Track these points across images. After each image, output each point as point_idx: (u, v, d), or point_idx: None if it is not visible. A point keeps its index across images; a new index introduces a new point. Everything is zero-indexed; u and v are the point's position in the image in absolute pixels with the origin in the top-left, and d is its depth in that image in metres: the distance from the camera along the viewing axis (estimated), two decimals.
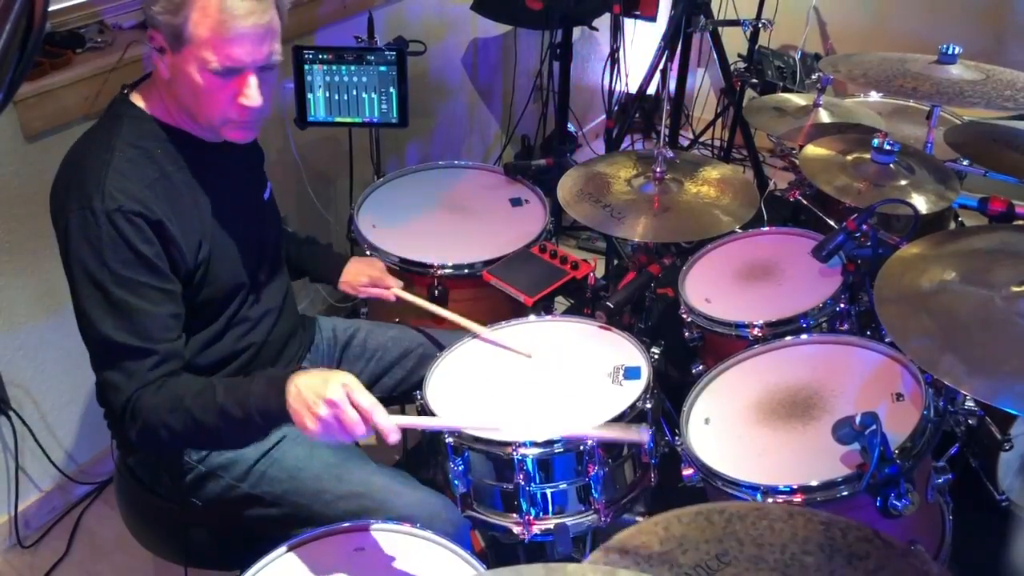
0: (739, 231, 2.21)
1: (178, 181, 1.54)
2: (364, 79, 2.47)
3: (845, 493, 1.44)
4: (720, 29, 3.30)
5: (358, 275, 2.02)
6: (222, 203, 1.61)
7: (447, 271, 2.12)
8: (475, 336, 1.92)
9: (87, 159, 1.48)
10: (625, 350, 1.84)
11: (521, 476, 1.60)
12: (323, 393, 1.35)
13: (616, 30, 3.70)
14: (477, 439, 1.61)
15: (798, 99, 2.86)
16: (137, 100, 1.55)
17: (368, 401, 1.36)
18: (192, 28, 1.40)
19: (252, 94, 1.46)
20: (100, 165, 1.46)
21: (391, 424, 1.37)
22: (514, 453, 1.58)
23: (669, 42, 3.22)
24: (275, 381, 1.42)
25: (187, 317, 1.57)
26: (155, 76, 1.54)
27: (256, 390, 1.44)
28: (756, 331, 1.91)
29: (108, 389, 1.47)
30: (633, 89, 3.50)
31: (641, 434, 1.53)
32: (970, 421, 1.74)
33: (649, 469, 1.74)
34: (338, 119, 2.52)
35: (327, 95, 2.49)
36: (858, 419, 1.39)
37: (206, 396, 1.45)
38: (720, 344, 1.99)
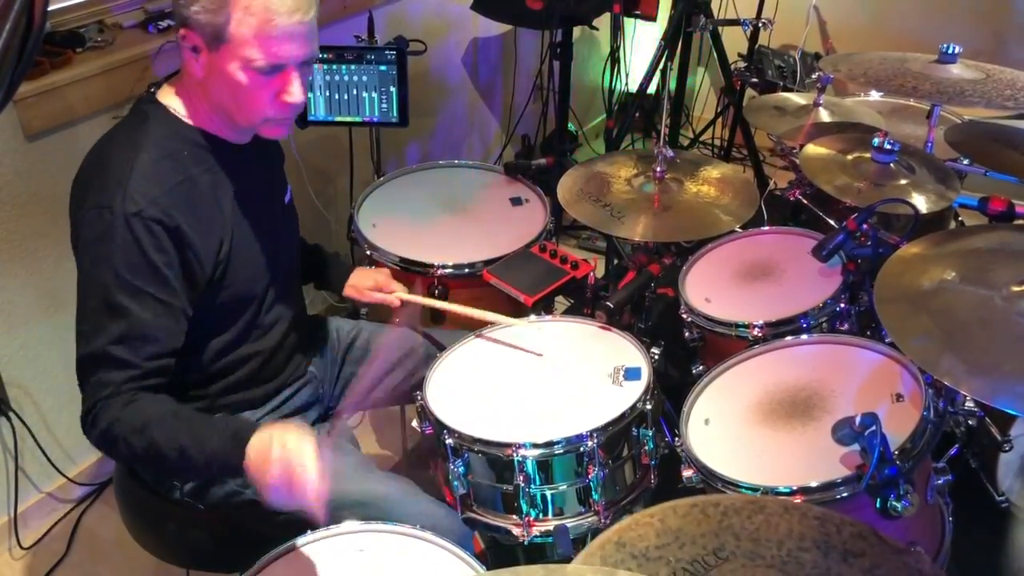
0: (739, 231, 2.21)
1: (202, 183, 1.53)
2: (364, 78, 2.47)
3: (845, 494, 1.44)
4: (720, 28, 3.30)
5: (363, 280, 2.01)
6: (245, 206, 1.61)
7: (447, 271, 2.12)
8: (479, 335, 1.92)
9: (112, 157, 1.47)
10: (625, 350, 1.83)
11: (521, 477, 1.60)
12: (268, 453, 1.33)
13: (616, 30, 3.70)
14: (476, 439, 1.61)
15: (798, 98, 2.85)
16: (164, 99, 1.54)
17: (305, 470, 1.31)
18: (235, 27, 1.39)
19: (295, 91, 1.46)
20: (124, 165, 1.44)
21: (318, 501, 1.33)
22: (514, 454, 1.58)
23: (669, 41, 3.22)
24: (238, 436, 1.39)
25: (204, 323, 1.56)
26: (184, 76, 1.52)
27: (218, 443, 1.40)
28: (756, 331, 1.91)
29: (82, 384, 1.48)
30: (633, 88, 3.50)
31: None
32: (970, 422, 1.74)
33: (649, 470, 1.74)
34: (338, 118, 2.52)
35: (327, 94, 2.49)
36: (858, 420, 1.39)
37: (169, 430, 1.42)
38: (720, 344, 1.98)
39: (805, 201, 2.40)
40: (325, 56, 2.43)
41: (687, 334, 2.04)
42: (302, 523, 1.54)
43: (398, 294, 2.01)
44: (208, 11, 1.39)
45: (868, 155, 2.22)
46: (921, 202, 2.07)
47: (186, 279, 1.49)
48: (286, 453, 1.32)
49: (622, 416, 1.63)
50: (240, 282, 1.60)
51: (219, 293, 1.57)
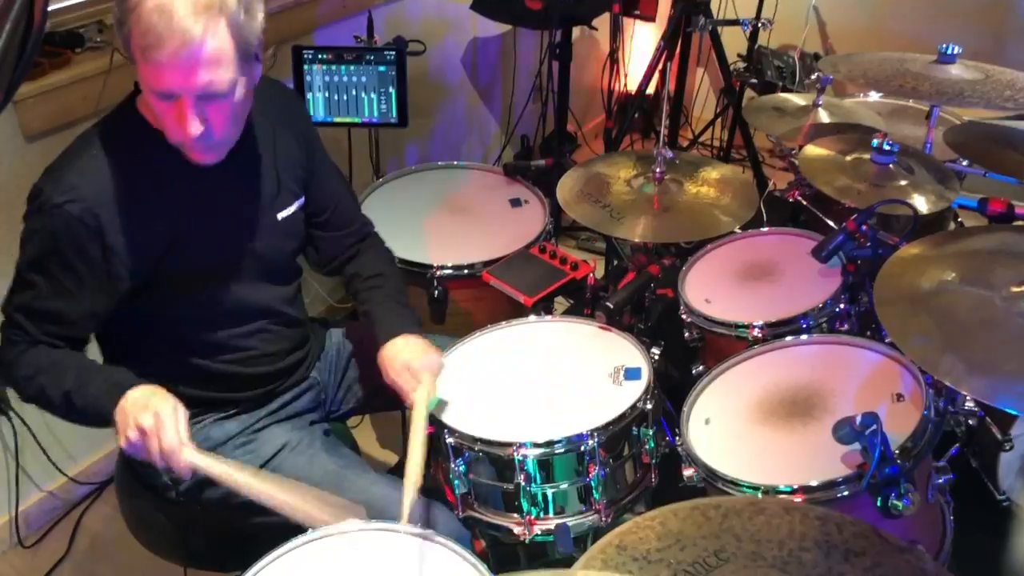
0: (739, 231, 2.21)
1: (153, 191, 1.49)
2: (363, 79, 2.47)
3: (845, 493, 1.44)
4: (719, 29, 3.30)
5: (400, 354, 1.68)
6: (211, 216, 1.57)
7: (447, 271, 2.12)
8: (480, 334, 1.91)
9: (67, 151, 1.49)
10: (625, 351, 1.83)
11: (522, 476, 1.60)
12: (138, 418, 1.40)
13: (616, 30, 3.72)
14: (477, 439, 1.62)
15: (798, 99, 2.85)
16: (141, 104, 1.51)
17: (169, 443, 1.40)
18: (132, 44, 1.33)
19: (186, 123, 1.37)
20: (68, 160, 1.47)
21: (184, 467, 1.42)
22: (515, 453, 1.58)
23: (668, 42, 3.22)
24: (116, 388, 1.45)
25: (180, 333, 1.59)
26: None
27: (97, 391, 1.48)
28: (756, 331, 1.91)
29: None
30: (632, 89, 3.50)
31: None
32: (970, 421, 1.74)
33: (650, 469, 1.74)
34: (338, 119, 2.52)
35: (327, 95, 2.49)
36: (858, 419, 1.39)
37: (57, 377, 1.49)
38: (720, 344, 1.99)
39: (804, 202, 2.40)
40: (324, 56, 2.44)
41: (687, 335, 2.05)
42: (299, 528, 1.53)
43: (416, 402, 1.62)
44: (117, 21, 1.34)
45: (867, 156, 2.22)
46: (920, 203, 2.07)
47: (104, 278, 1.48)
48: (157, 423, 1.39)
49: (622, 415, 1.63)
50: (199, 293, 1.59)
51: (169, 303, 1.57)
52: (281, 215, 1.69)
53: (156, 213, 1.51)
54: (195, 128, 1.38)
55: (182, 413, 1.43)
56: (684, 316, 2.05)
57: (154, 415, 1.39)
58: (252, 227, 1.66)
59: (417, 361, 1.65)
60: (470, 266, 2.13)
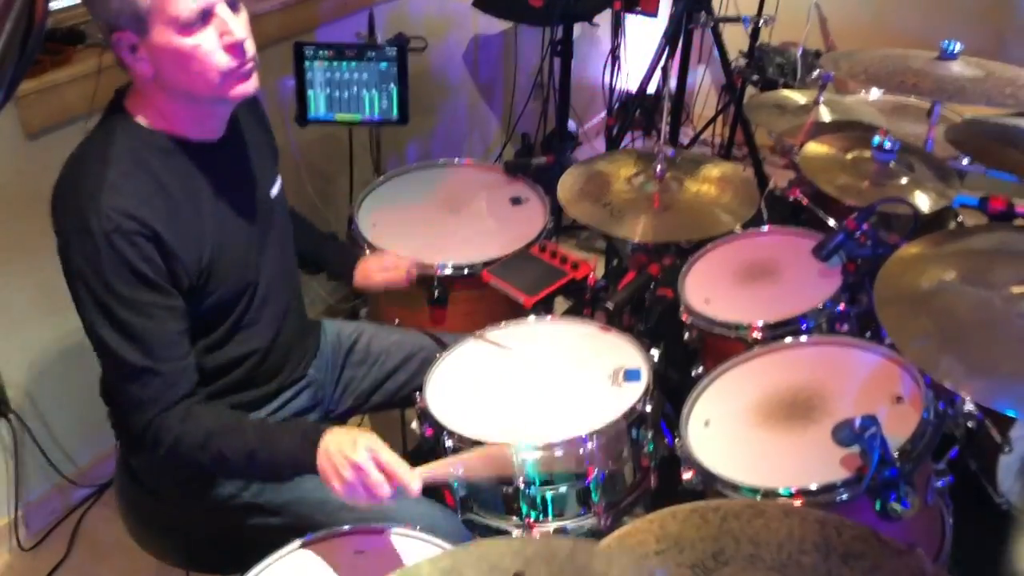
0: (739, 230, 2.20)
1: (176, 191, 1.50)
2: (365, 76, 2.47)
3: (845, 496, 1.44)
4: (721, 25, 3.29)
5: (369, 264, 2.05)
6: (224, 206, 1.58)
7: (447, 271, 2.12)
8: (478, 336, 1.91)
9: (83, 174, 1.45)
10: (625, 352, 1.83)
11: (521, 479, 1.59)
12: (350, 456, 1.41)
13: (617, 27, 3.70)
14: (476, 441, 1.61)
15: (799, 96, 2.85)
16: (130, 107, 1.51)
17: (393, 460, 1.42)
18: None
19: (234, 27, 1.41)
20: (96, 182, 1.42)
21: (413, 478, 1.43)
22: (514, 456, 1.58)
23: (670, 39, 3.21)
24: (309, 436, 1.47)
25: (192, 323, 1.56)
26: (137, 83, 1.49)
27: (289, 444, 1.48)
28: (756, 332, 1.91)
29: (128, 407, 1.49)
30: (634, 86, 3.49)
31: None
32: (969, 424, 1.74)
33: (649, 472, 1.74)
34: (338, 117, 2.52)
35: (328, 92, 2.49)
36: (858, 421, 1.39)
37: (235, 438, 1.49)
38: (720, 345, 1.98)
39: (805, 201, 2.39)
40: (326, 54, 2.43)
41: (687, 335, 2.04)
42: (302, 530, 1.54)
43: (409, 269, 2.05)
44: None
45: (868, 154, 2.21)
46: (921, 201, 2.06)
47: (176, 287, 1.49)
48: (370, 453, 1.41)
49: (622, 417, 1.63)
50: (227, 282, 1.59)
51: (206, 295, 1.56)
52: (274, 192, 1.74)
53: (189, 212, 1.51)
54: (241, 31, 1.42)
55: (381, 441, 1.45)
56: (684, 317, 2.04)
57: (365, 448, 1.41)
58: (263, 204, 1.70)
59: (387, 257, 2.08)
60: (470, 265, 2.12)
